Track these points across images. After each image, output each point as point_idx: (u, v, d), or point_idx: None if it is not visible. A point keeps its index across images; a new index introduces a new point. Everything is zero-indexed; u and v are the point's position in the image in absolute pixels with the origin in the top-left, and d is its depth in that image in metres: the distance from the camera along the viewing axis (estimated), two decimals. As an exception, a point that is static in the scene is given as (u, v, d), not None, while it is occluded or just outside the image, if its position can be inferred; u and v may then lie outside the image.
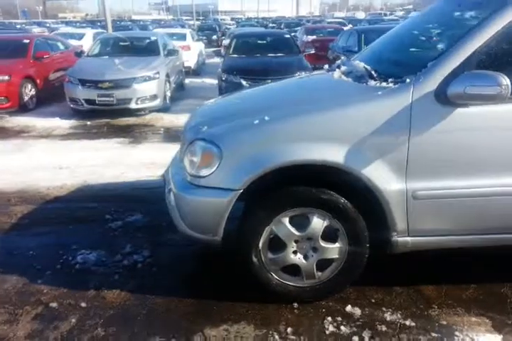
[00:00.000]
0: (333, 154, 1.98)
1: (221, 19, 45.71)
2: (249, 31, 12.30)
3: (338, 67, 2.77)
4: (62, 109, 7.26)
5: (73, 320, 2.10)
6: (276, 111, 2.14)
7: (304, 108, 2.13)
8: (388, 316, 2.11)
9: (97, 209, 3.33)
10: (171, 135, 5.88)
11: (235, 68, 7.16)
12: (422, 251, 2.20)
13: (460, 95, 1.90)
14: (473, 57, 1.95)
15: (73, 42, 10.81)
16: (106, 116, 6.77)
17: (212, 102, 3.02)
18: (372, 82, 2.20)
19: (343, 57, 3.26)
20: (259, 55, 7.86)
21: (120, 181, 4.01)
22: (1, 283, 2.42)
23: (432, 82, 1.96)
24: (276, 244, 2.13)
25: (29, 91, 7.32)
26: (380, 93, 2.05)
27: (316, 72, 3.48)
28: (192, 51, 11.67)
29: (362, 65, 2.51)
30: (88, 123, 6.58)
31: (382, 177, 2.00)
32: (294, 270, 2.17)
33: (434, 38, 2.82)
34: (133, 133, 5.96)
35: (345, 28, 14.18)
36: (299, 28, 18.44)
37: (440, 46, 2.58)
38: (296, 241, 2.13)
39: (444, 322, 2.07)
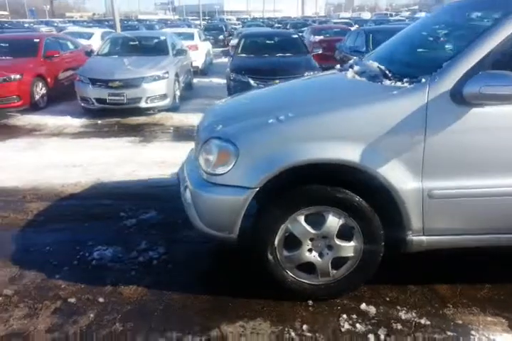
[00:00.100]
0: (349, 153, 2.00)
1: (227, 19, 45.76)
2: (258, 31, 12.34)
3: (351, 66, 2.78)
4: (73, 108, 7.32)
5: (91, 315, 2.14)
6: (292, 111, 2.15)
7: (319, 107, 2.15)
8: (403, 315, 2.13)
9: (112, 207, 3.37)
10: (180, 134, 5.92)
11: (244, 68, 7.19)
12: (437, 250, 2.21)
13: (475, 95, 1.91)
14: (488, 57, 1.96)
15: (82, 41, 10.88)
16: (116, 115, 6.82)
17: (225, 102, 3.04)
18: (387, 82, 2.21)
19: (355, 57, 3.27)
20: (268, 55, 7.89)
21: (132, 179, 4.05)
22: (20, 278, 2.46)
23: (448, 81, 1.97)
24: (292, 242, 2.15)
25: (40, 89, 7.40)
26: (395, 92, 2.06)
27: (327, 72, 3.49)
28: (200, 51, 11.71)
29: (375, 64, 2.52)
30: (99, 122, 6.63)
31: (398, 176, 2.01)
32: (309, 268, 2.19)
33: (447, 39, 2.84)
34: (143, 132, 6.00)
35: (352, 29, 14.18)
36: (305, 28, 18.43)
37: (453, 47, 2.60)
38: (311, 239, 2.15)
39: (460, 321, 2.08)
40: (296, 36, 8.76)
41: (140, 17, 62.25)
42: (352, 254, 2.16)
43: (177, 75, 7.53)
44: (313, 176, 2.11)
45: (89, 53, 8.43)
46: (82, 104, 7.00)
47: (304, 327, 2.05)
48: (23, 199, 3.63)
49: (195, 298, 2.26)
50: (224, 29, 24.45)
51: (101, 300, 2.25)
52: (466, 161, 2.01)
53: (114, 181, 4.01)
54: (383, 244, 2.15)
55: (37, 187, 3.90)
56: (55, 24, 32.09)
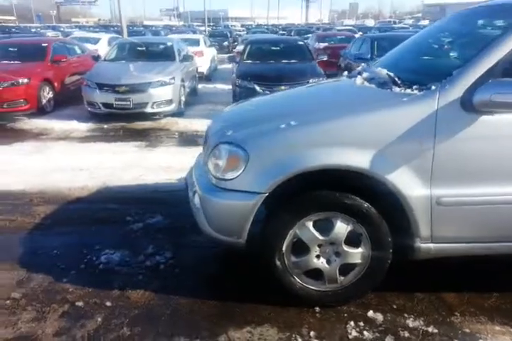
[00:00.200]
0: (358, 159, 2.01)
1: (231, 25, 46.11)
2: (263, 37, 12.43)
3: (360, 73, 2.80)
4: (79, 112, 7.37)
5: (99, 319, 2.14)
6: (301, 117, 2.17)
7: (328, 113, 2.17)
8: (410, 322, 2.12)
9: (118, 211, 3.38)
10: (186, 139, 5.95)
11: (249, 74, 7.23)
12: (445, 258, 2.20)
13: (486, 103, 1.91)
14: (498, 65, 1.97)
15: (89, 46, 10.97)
16: (122, 120, 6.86)
17: (233, 108, 3.06)
18: (396, 89, 2.23)
19: (363, 64, 3.29)
20: (273, 62, 7.94)
21: (139, 183, 4.07)
22: (27, 281, 2.47)
23: (458, 89, 1.98)
24: (300, 248, 2.15)
25: (47, 94, 7.45)
26: (405, 99, 2.07)
27: (335, 78, 3.52)
28: (205, 57, 11.78)
29: (384, 71, 2.54)
30: (105, 126, 6.67)
31: (407, 182, 2.02)
32: (316, 274, 2.18)
33: (456, 47, 2.85)
34: (149, 137, 6.03)
35: (356, 36, 14.26)
36: (309, 35, 18.55)
37: (462, 55, 2.62)
38: (319, 246, 2.15)
39: (467, 330, 2.07)
40: (301, 43, 8.82)
41: (145, 23, 62.82)
42: (360, 261, 2.15)
43: (183, 81, 7.58)
44: (322, 182, 2.11)
45: (96, 58, 8.50)
46: (89, 109, 7.05)
47: (311, 333, 2.05)
48: (30, 202, 3.65)
49: (203, 303, 2.26)
50: (229, 35, 24.63)
51: (108, 304, 2.25)
52: (475, 169, 2.02)
53: (120, 185, 4.03)
54: (391, 250, 2.15)
55: (44, 190, 3.91)
56: (62, 29, 32.40)
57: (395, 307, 2.24)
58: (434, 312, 2.19)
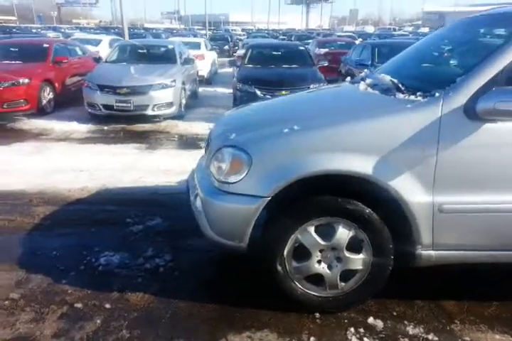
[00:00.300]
0: (361, 165, 2.01)
1: (232, 30, 46.30)
2: (265, 42, 12.48)
3: (363, 79, 2.81)
4: (79, 113, 7.36)
5: (98, 321, 2.12)
6: (305, 122, 2.17)
7: (332, 119, 2.18)
8: (410, 330, 2.11)
9: (118, 213, 3.37)
10: (185, 142, 5.95)
11: (250, 78, 7.25)
12: (446, 265, 2.20)
13: (489, 111, 1.92)
14: (502, 73, 1.98)
15: (90, 48, 10.99)
16: (122, 122, 6.86)
17: (236, 112, 3.06)
18: (400, 95, 2.23)
19: (365, 70, 3.31)
20: (274, 66, 7.97)
21: (138, 186, 4.06)
22: (26, 282, 2.45)
23: (461, 97, 1.99)
24: (301, 253, 2.14)
25: (47, 94, 7.44)
26: (408, 106, 2.08)
27: (337, 84, 3.53)
28: (206, 60, 11.82)
29: (388, 78, 2.54)
30: (105, 128, 6.66)
31: (409, 189, 2.02)
32: (317, 279, 2.18)
33: (458, 54, 2.87)
34: (149, 140, 6.03)
35: (356, 42, 14.33)
36: (309, 40, 18.64)
37: (464, 62, 2.63)
38: (320, 251, 2.14)
39: (467, 338, 2.06)
40: (302, 48, 8.86)
41: (146, 25, 62.96)
42: (361, 267, 2.15)
43: (183, 84, 7.60)
44: (324, 187, 2.11)
45: (97, 60, 8.50)
46: (89, 110, 7.04)
47: (312, 339, 2.04)
48: (29, 203, 3.63)
49: (202, 307, 2.25)
50: (229, 39, 24.72)
51: (108, 306, 2.24)
52: (477, 176, 2.02)
53: (120, 187, 4.02)
54: (392, 257, 2.14)
55: (43, 191, 3.90)
56: (62, 30, 32.42)
57: (395, 314, 2.23)
58: (434, 320, 2.19)
